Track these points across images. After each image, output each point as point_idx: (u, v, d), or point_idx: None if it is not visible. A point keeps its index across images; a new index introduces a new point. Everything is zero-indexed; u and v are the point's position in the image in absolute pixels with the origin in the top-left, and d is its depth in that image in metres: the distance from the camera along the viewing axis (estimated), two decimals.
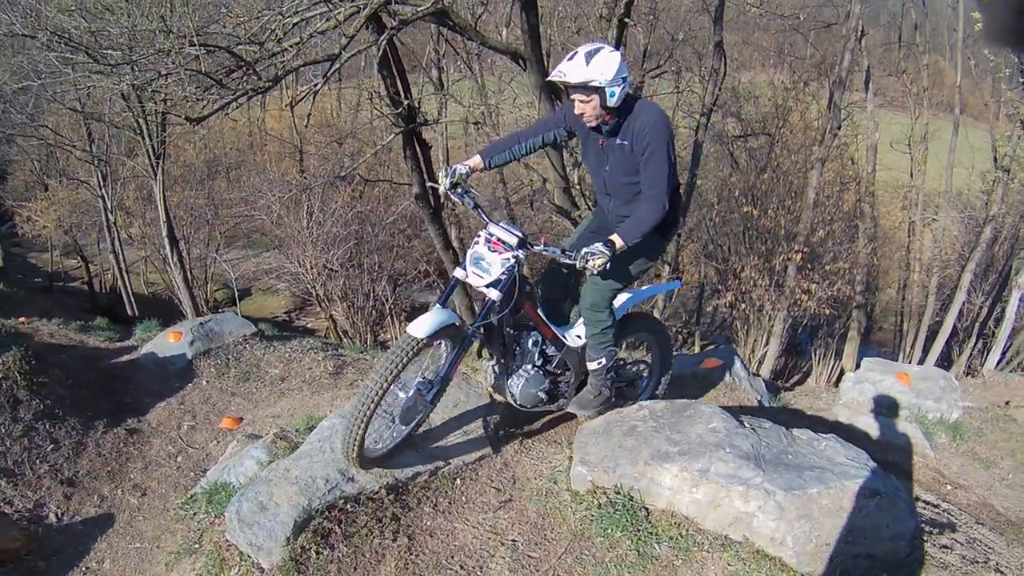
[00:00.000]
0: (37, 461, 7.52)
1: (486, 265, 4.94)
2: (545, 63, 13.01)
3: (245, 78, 10.29)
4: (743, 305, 19.90)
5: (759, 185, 20.52)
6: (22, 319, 12.06)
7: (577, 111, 5.03)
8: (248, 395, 9.14)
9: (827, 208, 20.88)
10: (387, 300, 23.34)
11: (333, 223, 23.02)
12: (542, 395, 5.74)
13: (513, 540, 4.86)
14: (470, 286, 5.20)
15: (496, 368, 5.61)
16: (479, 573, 4.67)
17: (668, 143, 4.98)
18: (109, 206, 27.87)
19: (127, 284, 30.45)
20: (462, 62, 21.47)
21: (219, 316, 11.28)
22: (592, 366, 5.83)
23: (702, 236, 23.83)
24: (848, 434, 5.66)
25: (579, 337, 5.86)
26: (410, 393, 4.99)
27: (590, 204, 14.32)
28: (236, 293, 29.93)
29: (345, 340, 19.90)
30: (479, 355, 5.60)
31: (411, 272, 26.53)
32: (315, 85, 11.30)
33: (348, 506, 5.01)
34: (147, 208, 28.99)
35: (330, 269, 22.86)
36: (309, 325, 28.76)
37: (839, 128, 19.79)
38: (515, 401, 5.67)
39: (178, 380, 9.32)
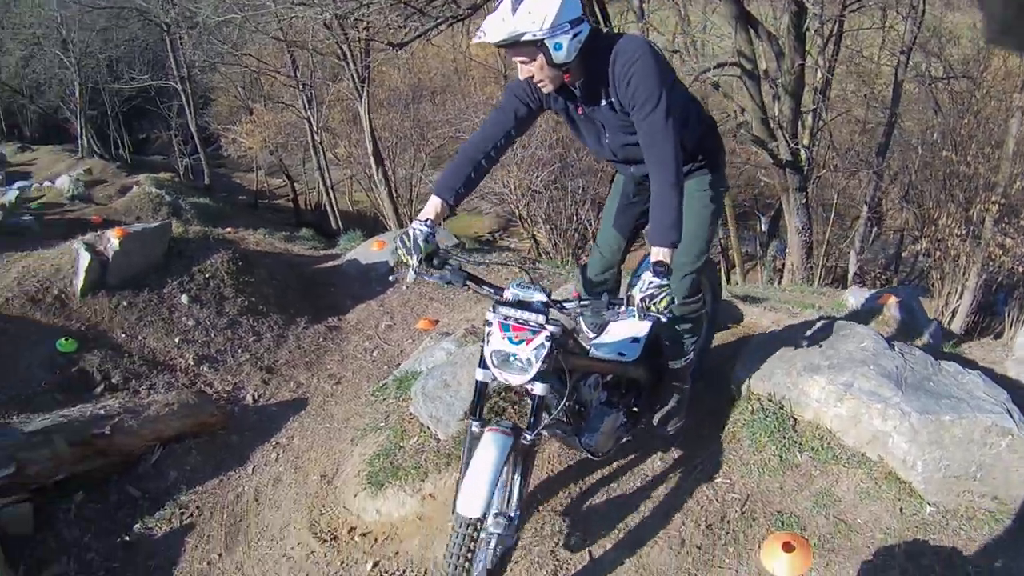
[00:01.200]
0: (239, 350, 8.18)
1: (518, 362, 3.68)
2: None
3: (445, 6, 10.69)
4: (938, 253, 19.44)
5: (959, 130, 19.89)
6: (229, 229, 12.75)
7: (522, 76, 3.87)
8: (445, 300, 9.58)
9: None
10: (590, 224, 23.03)
11: (538, 146, 22.74)
12: (621, 433, 4.80)
13: (671, 435, 5.09)
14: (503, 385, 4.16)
15: (561, 433, 4.44)
16: (636, 461, 5.00)
17: (659, 82, 3.75)
18: (315, 127, 28.82)
19: (333, 200, 31.53)
20: None
21: None
22: (678, 365, 4.86)
23: (904, 180, 23.24)
24: (1012, 387, 5.55)
25: (636, 340, 4.80)
26: (492, 544, 3.93)
27: (787, 136, 14.24)
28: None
29: (545, 258, 20.05)
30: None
31: None
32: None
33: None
34: (352, 129, 29.73)
35: (534, 191, 22.90)
36: (512, 246, 29.06)
37: None
38: (595, 456, 4.61)
39: (379, 285, 9.89)
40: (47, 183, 22.43)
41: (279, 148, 35.35)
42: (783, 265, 18.52)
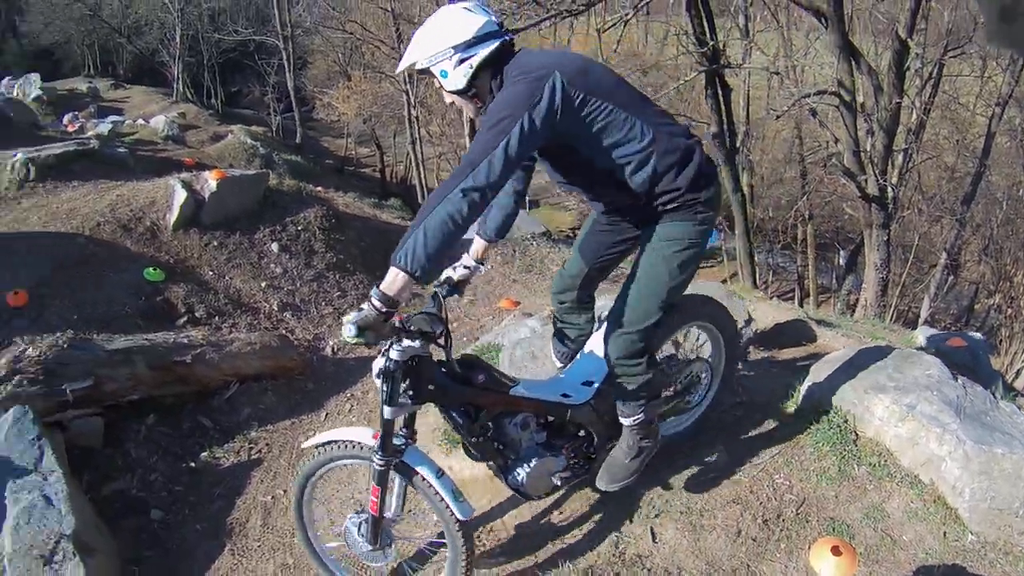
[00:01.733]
0: (323, 303, 8.44)
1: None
2: (846, 24, 13.07)
3: None
4: (1009, 311, 19.31)
5: None
6: (319, 188, 12.99)
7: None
8: (528, 284, 9.78)
9: None
10: None
11: None
12: (556, 480, 4.30)
13: (739, 436, 5.24)
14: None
15: (491, 468, 4.28)
16: (703, 451, 5.12)
17: (514, 108, 3.20)
18: (413, 102, 29.06)
19: (422, 175, 31.75)
20: (769, 12, 21.41)
21: None
22: (627, 423, 4.25)
23: (985, 233, 23.06)
24: None
25: (590, 383, 4.35)
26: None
27: (877, 171, 14.30)
28: (526, 201, 30.21)
29: None
30: (468, 454, 4.25)
31: None
32: (626, 14, 11.83)
33: None
34: (448, 109, 29.45)
35: None
36: None
37: None
38: (527, 497, 4.27)
39: None
40: (140, 121, 22.89)
41: (372, 117, 35.61)
42: (857, 300, 18.51)
